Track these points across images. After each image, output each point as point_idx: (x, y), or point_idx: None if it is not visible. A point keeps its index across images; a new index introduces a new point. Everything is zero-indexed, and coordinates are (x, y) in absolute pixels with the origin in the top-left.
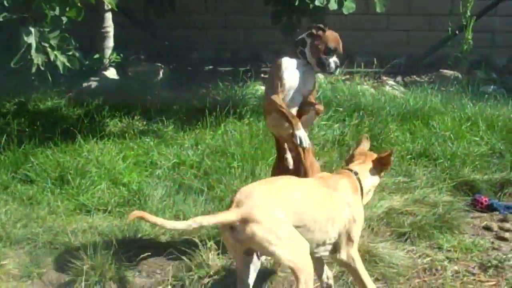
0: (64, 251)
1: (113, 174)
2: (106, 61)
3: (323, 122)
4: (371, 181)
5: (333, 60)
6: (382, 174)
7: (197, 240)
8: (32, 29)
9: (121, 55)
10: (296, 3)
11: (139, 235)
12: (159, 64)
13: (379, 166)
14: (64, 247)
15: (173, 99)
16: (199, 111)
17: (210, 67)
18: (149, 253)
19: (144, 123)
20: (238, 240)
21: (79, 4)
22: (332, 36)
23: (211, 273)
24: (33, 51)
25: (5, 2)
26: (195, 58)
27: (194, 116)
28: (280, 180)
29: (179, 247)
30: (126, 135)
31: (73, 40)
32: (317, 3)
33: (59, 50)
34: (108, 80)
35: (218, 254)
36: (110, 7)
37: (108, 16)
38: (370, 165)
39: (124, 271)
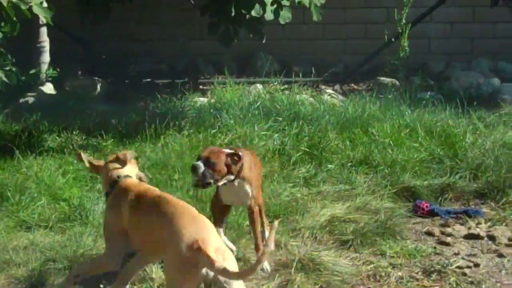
0: (5, 268)
1: (53, 189)
2: (43, 76)
3: (263, 132)
4: None
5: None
6: None
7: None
8: None
9: (58, 69)
10: (233, 14)
11: (81, 251)
12: (97, 78)
13: None
14: (5, 264)
15: (111, 113)
16: (138, 124)
17: (148, 79)
18: None
19: (83, 137)
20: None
21: (14, 19)
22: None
23: (155, 287)
24: None
25: None
26: (132, 71)
27: (133, 130)
28: None
29: None
30: (65, 150)
31: (9, 55)
32: (253, 13)
33: None
34: (45, 95)
35: (161, 267)
36: (45, 21)
37: (44, 30)
38: None
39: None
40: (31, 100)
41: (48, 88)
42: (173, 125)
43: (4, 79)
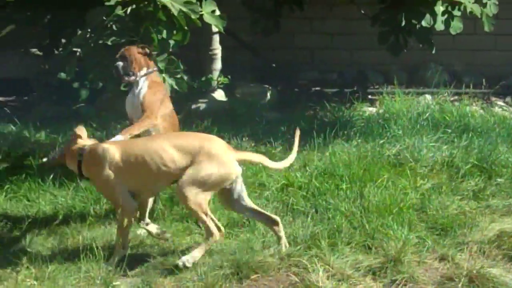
0: (174, 272)
1: None
2: (214, 83)
3: (432, 144)
4: None
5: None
6: None
7: (305, 262)
8: None
9: (229, 77)
10: (403, 24)
11: (249, 256)
12: (267, 86)
13: None
14: (175, 268)
15: (280, 121)
16: (307, 133)
17: (317, 88)
18: (258, 274)
19: (252, 144)
20: None
21: (185, 28)
22: None
23: None
24: None
25: (113, 26)
26: (302, 79)
27: (301, 138)
28: None
29: (288, 268)
30: None
31: (180, 63)
32: (424, 23)
33: (167, 73)
34: (216, 102)
35: (327, 277)
36: (217, 29)
37: (216, 38)
38: None
39: None
40: (202, 106)
41: (219, 95)
42: (341, 134)
43: (175, 86)
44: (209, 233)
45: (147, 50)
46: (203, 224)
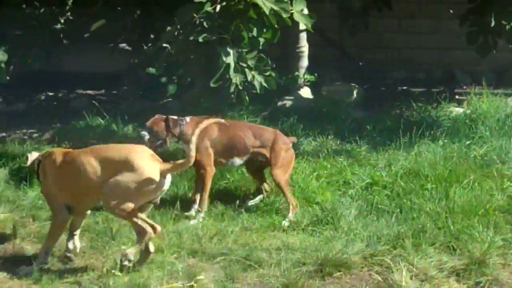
0: (257, 268)
1: (306, 192)
2: (301, 81)
3: None
4: None
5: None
6: None
7: (389, 261)
8: (231, 50)
9: (315, 74)
10: (492, 24)
11: (332, 254)
12: (353, 84)
13: None
14: (257, 264)
15: (366, 119)
16: (392, 132)
17: (404, 87)
18: (341, 272)
19: (338, 142)
20: None
21: (275, 26)
22: None
23: None
24: (231, 71)
25: (204, 24)
26: (388, 78)
27: (387, 137)
28: None
29: (371, 267)
30: (320, 154)
31: (269, 60)
32: None
33: (256, 71)
34: (302, 99)
35: (410, 277)
36: (305, 27)
37: (303, 36)
38: None
39: None
40: (288, 103)
41: (306, 92)
42: (427, 134)
43: (264, 84)
44: (142, 232)
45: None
46: (133, 226)
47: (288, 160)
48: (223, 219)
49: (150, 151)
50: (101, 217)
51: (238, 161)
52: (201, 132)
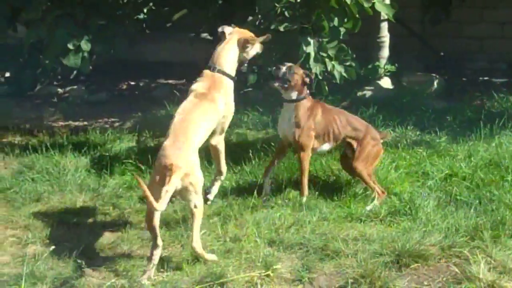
0: (334, 258)
1: (385, 183)
2: (381, 71)
3: None
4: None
5: None
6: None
7: (467, 253)
8: (311, 40)
9: (396, 65)
10: None
11: (409, 245)
12: (434, 75)
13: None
14: (334, 254)
15: (446, 110)
16: (473, 123)
17: (485, 78)
18: (418, 263)
19: (417, 133)
20: None
21: (357, 16)
22: None
23: (482, 287)
24: (311, 61)
25: (286, 13)
26: (469, 69)
27: (467, 128)
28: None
29: (449, 259)
30: (399, 144)
31: (350, 50)
32: None
33: (337, 61)
34: (383, 90)
35: (489, 269)
36: (386, 17)
37: (384, 25)
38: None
39: (393, 280)
40: (368, 93)
41: (386, 83)
42: (509, 125)
43: (344, 74)
44: None
45: (309, 79)
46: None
47: (374, 155)
48: (300, 209)
49: None
50: (179, 206)
51: (327, 146)
52: (307, 111)
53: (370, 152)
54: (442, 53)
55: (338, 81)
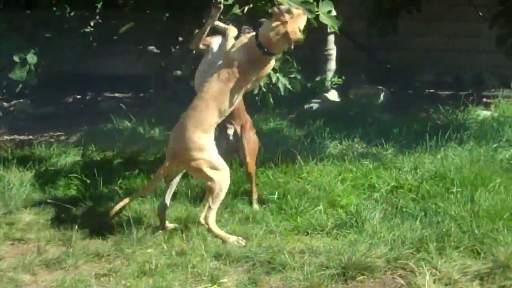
0: (281, 271)
1: (331, 196)
2: (328, 84)
3: None
4: None
5: None
6: None
7: (412, 265)
8: None
9: (343, 77)
10: None
11: (355, 257)
12: (380, 87)
13: None
14: (281, 267)
15: (393, 122)
16: (419, 135)
17: (431, 90)
18: (365, 276)
19: (364, 145)
20: None
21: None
22: None
23: None
24: None
25: None
26: (416, 81)
27: (413, 140)
28: None
29: (395, 271)
30: (346, 157)
31: (295, 63)
32: None
33: (281, 73)
34: (330, 102)
35: (434, 281)
36: (333, 30)
37: (331, 38)
38: None
39: None
40: (315, 106)
41: (333, 95)
42: (454, 137)
43: (288, 86)
44: None
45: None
46: None
47: None
48: (247, 222)
49: None
50: (126, 220)
51: None
52: None
53: None
54: (388, 66)
55: (282, 93)
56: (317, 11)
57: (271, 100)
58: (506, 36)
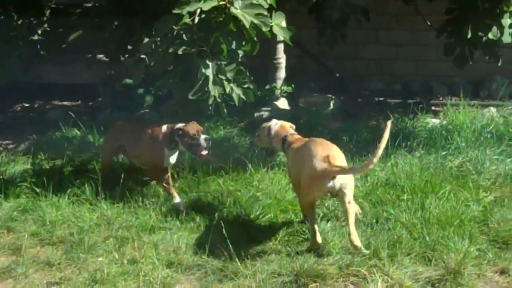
0: (233, 278)
1: (282, 204)
2: (278, 92)
3: (495, 156)
4: None
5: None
6: None
7: (364, 272)
8: (210, 63)
9: (293, 85)
10: (469, 36)
11: (307, 264)
12: (330, 96)
13: None
14: (233, 274)
15: (343, 130)
16: (369, 143)
17: (380, 98)
18: (317, 283)
19: None
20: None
21: (255, 39)
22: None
23: None
24: (210, 84)
25: (184, 36)
26: (365, 90)
27: (363, 148)
28: None
29: (347, 278)
30: None
31: (248, 72)
32: (490, 36)
33: (235, 83)
34: (279, 110)
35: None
36: (282, 38)
37: (280, 47)
38: None
39: None
40: (265, 114)
41: (283, 103)
42: (404, 145)
43: (242, 96)
44: None
45: None
46: None
47: None
48: (199, 230)
49: None
50: (76, 228)
51: None
52: None
53: None
54: (338, 74)
55: (237, 103)
56: (271, 23)
57: (225, 110)
58: (453, 45)
